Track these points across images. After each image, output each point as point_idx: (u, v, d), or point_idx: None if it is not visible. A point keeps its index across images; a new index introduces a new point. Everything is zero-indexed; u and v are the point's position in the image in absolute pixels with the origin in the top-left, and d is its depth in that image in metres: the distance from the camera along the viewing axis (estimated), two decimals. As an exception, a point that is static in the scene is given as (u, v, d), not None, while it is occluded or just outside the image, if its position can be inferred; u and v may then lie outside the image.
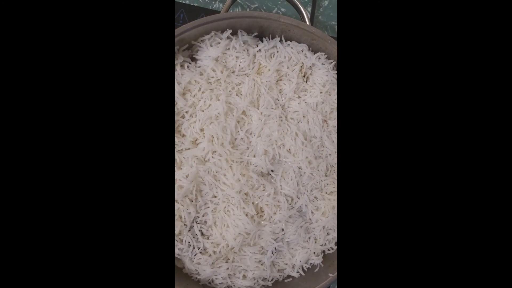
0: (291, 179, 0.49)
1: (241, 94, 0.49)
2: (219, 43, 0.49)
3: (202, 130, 0.48)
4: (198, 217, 0.49)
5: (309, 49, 0.52)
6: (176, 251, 0.48)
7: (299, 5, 0.52)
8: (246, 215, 0.48)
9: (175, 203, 0.47)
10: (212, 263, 0.48)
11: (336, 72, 0.51)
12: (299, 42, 0.52)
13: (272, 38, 0.52)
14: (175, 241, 0.48)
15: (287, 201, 0.49)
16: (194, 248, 0.48)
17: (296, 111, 0.50)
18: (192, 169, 0.47)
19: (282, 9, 0.61)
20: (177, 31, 0.47)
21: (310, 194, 0.50)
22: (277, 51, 0.51)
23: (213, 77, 0.49)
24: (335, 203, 0.50)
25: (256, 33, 0.51)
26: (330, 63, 0.51)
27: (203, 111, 0.48)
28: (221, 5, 0.59)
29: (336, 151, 0.51)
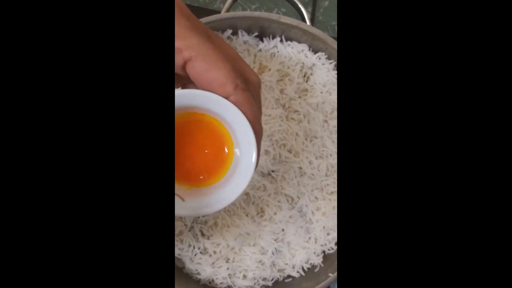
0: (292, 179, 0.49)
1: (241, 94, 0.49)
2: (219, 43, 0.49)
3: (202, 130, 0.48)
4: (199, 217, 0.49)
5: (309, 49, 0.52)
6: (176, 251, 0.48)
7: (300, 6, 0.52)
8: (247, 215, 0.48)
9: (176, 203, 0.47)
10: (212, 263, 0.48)
11: (336, 72, 0.52)
12: (299, 42, 0.52)
13: (273, 38, 0.52)
14: (175, 241, 0.48)
15: (288, 201, 0.49)
16: (194, 248, 0.49)
17: (296, 111, 0.50)
18: (193, 169, 0.47)
19: (283, 10, 0.61)
20: (177, 31, 0.47)
21: (310, 194, 0.50)
22: (278, 51, 0.51)
23: (213, 77, 0.49)
24: (335, 203, 0.50)
25: (256, 33, 0.51)
26: (331, 63, 0.51)
27: (203, 111, 0.48)
28: (221, 5, 0.59)
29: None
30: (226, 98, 0.29)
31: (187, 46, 0.30)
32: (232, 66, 0.30)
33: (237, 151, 0.31)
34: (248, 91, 0.30)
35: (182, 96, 0.30)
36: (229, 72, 0.29)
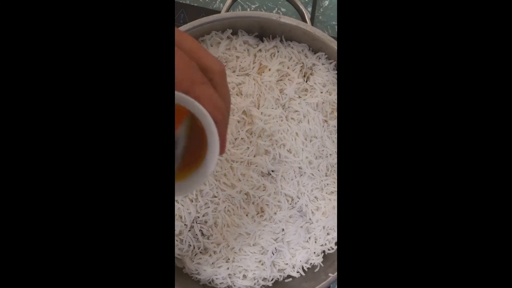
0: (292, 179, 0.49)
1: (241, 94, 0.49)
2: (219, 43, 0.49)
3: (202, 130, 0.48)
4: (198, 217, 0.49)
5: (309, 49, 0.52)
6: (176, 251, 0.48)
7: (300, 5, 0.52)
8: (247, 215, 0.48)
9: (175, 203, 0.47)
10: (212, 263, 0.48)
11: (336, 72, 0.52)
12: (299, 42, 0.52)
13: (273, 38, 0.52)
14: (175, 241, 0.48)
15: (288, 201, 0.49)
16: (194, 248, 0.49)
17: (296, 111, 0.50)
18: (193, 169, 0.47)
19: (283, 9, 0.61)
20: (177, 31, 0.47)
21: (310, 194, 0.50)
22: (278, 51, 0.51)
23: (213, 77, 0.49)
24: (335, 203, 0.50)
25: (256, 33, 0.51)
26: (331, 63, 0.51)
27: (203, 111, 0.48)
28: (221, 5, 0.59)
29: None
30: (186, 93, 0.30)
31: None
32: (188, 61, 0.30)
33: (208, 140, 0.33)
34: (206, 83, 0.31)
35: None
36: (184, 69, 0.30)
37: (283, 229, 0.49)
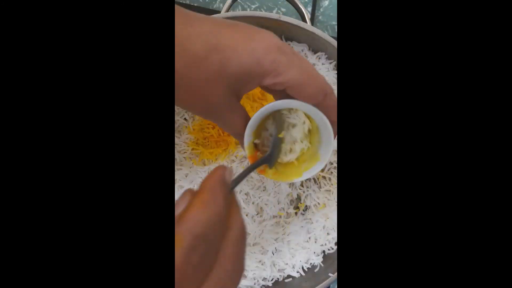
0: (292, 179, 0.49)
1: (241, 94, 0.49)
2: (219, 43, 0.49)
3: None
4: (199, 217, 0.49)
5: (309, 49, 0.52)
6: (177, 251, 0.48)
7: (300, 5, 0.52)
8: (247, 215, 0.48)
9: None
10: (213, 263, 0.48)
11: (336, 72, 0.51)
12: (299, 42, 0.52)
13: (273, 38, 0.51)
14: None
15: (288, 201, 0.49)
16: (194, 248, 0.48)
17: (296, 111, 0.50)
18: (192, 169, 0.47)
19: (283, 9, 0.61)
20: (177, 31, 0.46)
21: (310, 194, 0.50)
22: (278, 51, 0.51)
23: (213, 77, 0.49)
24: (335, 203, 0.50)
25: (256, 33, 0.51)
26: (331, 63, 0.51)
27: (203, 111, 0.48)
28: (221, 5, 0.59)
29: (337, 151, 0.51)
30: (315, 104, 0.34)
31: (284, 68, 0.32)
32: (321, 78, 0.33)
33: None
34: (332, 93, 0.34)
35: (284, 103, 0.35)
36: (321, 85, 0.33)
37: (283, 229, 0.49)
